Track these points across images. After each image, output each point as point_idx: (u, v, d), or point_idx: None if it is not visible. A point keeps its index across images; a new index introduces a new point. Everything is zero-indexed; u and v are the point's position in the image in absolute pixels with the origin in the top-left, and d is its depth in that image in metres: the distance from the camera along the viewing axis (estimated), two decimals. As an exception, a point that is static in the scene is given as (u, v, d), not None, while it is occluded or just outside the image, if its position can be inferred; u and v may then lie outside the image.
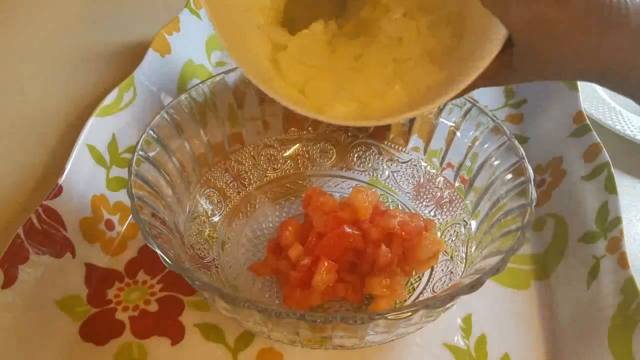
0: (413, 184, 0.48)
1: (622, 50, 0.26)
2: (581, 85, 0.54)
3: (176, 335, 0.40)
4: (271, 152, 0.50)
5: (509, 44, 0.29)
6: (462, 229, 0.42)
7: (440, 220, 0.45)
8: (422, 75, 0.34)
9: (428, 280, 0.41)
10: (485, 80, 0.30)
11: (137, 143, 0.38)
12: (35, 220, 0.38)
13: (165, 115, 0.41)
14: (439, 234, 0.44)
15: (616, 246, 0.38)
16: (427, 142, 0.47)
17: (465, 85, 0.30)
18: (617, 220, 0.39)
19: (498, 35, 0.28)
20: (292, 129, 0.50)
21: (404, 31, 0.35)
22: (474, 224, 0.41)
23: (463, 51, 0.33)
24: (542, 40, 0.27)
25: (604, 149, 0.45)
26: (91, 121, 0.46)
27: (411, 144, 0.48)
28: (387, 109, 0.34)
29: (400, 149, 0.49)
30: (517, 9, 0.26)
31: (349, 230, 0.39)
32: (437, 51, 0.34)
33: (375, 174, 0.50)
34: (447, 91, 0.31)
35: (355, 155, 0.50)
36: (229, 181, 0.47)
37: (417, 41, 0.35)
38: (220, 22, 0.32)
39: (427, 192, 0.47)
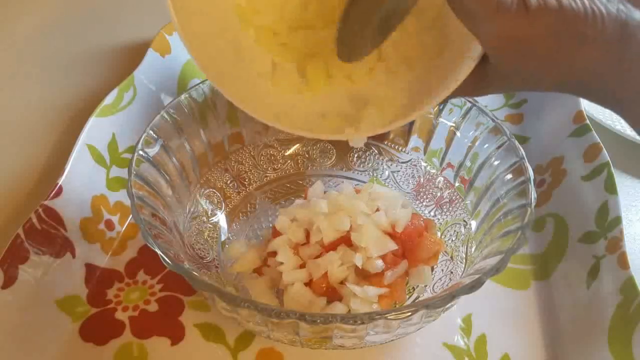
0: (413, 184, 0.48)
1: (596, 63, 0.25)
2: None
3: (176, 335, 0.40)
4: (271, 152, 0.50)
5: (484, 57, 0.28)
6: (462, 229, 0.42)
7: (440, 220, 0.45)
8: (397, 89, 0.34)
9: (428, 280, 0.41)
10: (460, 90, 0.30)
11: (137, 143, 0.38)
12: (35, 220, 0.38)
13: (165, 115, 0.41)
14: (439, 234, 0.44)
15: (616, 246, 0.38)
16: (427, 142, 0.47)
17: (438, 102, 0.30)
18: (617, 220, 0.39)
19: (476, 48, 0.28)
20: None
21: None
22: (474, 224, 0.41)
23: (442, 63, 0.33)
24: (514, 55, 0.26)
25: (604, 149, 0.45)
26: (91, 121, 0.46)
27: (411, 144, 0.48)
28: (363, 126, 0.34)
29: (400, 149, 0.49)
30: (487, 22, 0.25)
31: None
32: (416, 59, 0.34)
33: (375, 174, 0.50)
34: (421, 105, 0.31)
35: (355, 155, 0.50)
36: (229, 181, 0.47)
37: (399, 46, 0.35)
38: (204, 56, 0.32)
39: (427, 192, 0.47)
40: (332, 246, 0.39)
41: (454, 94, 0.30)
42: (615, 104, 0.28)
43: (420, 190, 0.48)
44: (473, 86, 0.30)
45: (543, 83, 0.28)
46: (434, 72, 0.33)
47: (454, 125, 0.45)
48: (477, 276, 0.31)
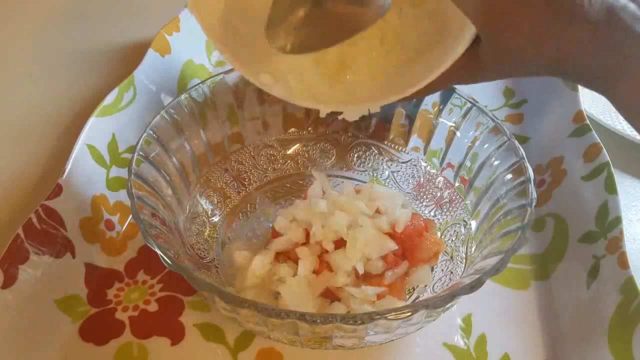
0: (413, 184, 0.48)
1: (583, 43, 0.26)
2: (581, 85, 0.54)
3: (176, 335, 0.40)
4: (271, 152, 0.50)
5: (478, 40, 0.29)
6: (462, 229, 0.42)
7: (440, 220, 0.45)
8: (393, 70, 0.34)
9: (428, 280, 0.41)
10: (454, 76, 0.30)
11: (137, 143, 0.38)
12: (35, 220, 0.38)
13: (165, 115, 0.41)
14: (439, 234, 0.44)
15: (616, 246, 0.38)
16: (427, 142, 0.47)
17: (431, 79, 0.30)
18: (617, 220, 0.39)
19: (469, 29, 0.29)
20: (292, 129, 0.50)
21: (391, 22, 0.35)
22: (474, 224, 0.41)
23: (439, 48, 0.33)
24: (502, 32, 0.26)
25: (604, 149, 0.45)
26: (91, 121, 0.46)
27: (411, 144, 0.48)
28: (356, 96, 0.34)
29: (400, 149, 0.49)
30: None
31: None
32: (415, 46, 0.34)
33: (375, 174, 0.50)
34: (414, 83, 0.31)
35: (355, 155, 0.50)
36: (229, 181, 0.47)
37: (399, 34, 0.35)
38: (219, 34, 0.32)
39: (427, 192, 0.47)
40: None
41: (450, 81, 0.31)
42: (604, 87, 0.28)
43: (420, 190, 0.48)
44: (466, 71, 0.30)
45: (534, 64, 0.28)
46: (430, 55, 0.33)
47: (454, 125, 0.45)
48: (477, 276, 0.31)
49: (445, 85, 0.31)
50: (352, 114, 0.35)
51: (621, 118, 0.57)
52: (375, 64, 0.36)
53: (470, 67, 0.30)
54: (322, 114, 0.34)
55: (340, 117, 0.34)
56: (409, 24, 0.35)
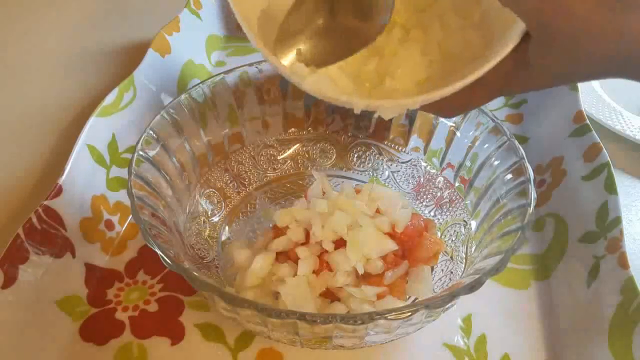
0: (413, 184, 0.48)
1: None
2: (581, 85, 0.54)
3: (176, 335, 0.40)
4: (271, 152, 0.50)
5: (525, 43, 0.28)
6: (462, 229, 0.42)
7: (440, 220, 0.45)
8: (435, 74, 0.34)
9: (428, 280, 0.41)
10: (499, 84, 0.29)
11: (137, 143, 0.38)
12: (35, 220, 0.38)
13: (165, 115, 0.41)
14: (439, 234, 0.44)
15: (616, 246, 0.38)
16: (427, 142, 0.47)
17: (482, 73, 0.28)
18: (617, 220, 0.39)
19: (516, 29, 0.27)
20: (292, 129, 0.50)
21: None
22: (474, 224, 0.41)
23: (485, 54, 0.32)
24: (557, 24, 0.24)
25: (604, 149, 0.45)
26: (91, 121, 0.46)
27: (411, 144, 0.48)
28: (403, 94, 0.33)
29: (400, 149, 0.49)
30: None
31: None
32: (461, 56, 0.34)
33: (375, 174, 0.50)
34: (461, 78, 0.29)
35: (355, 155, 0.50)
36: (229, 181, 0.47)
37: (442, 45, 0.34)
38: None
39: (427, 192, 0.47)
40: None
41: (495, 91, 0.29)
42: None
43: (420, 190, 0.48)
44: (513, 78, 0.29)
45: (589, 58, 0.25)
46: (476, 63, 0.31)
47: (454, 125, 0.45)
48: (477, 276, 0.31)
49: (489, 97, 0.30)
50: (387, 112, 0.33)
51: (621, 118, 0.57)
52: (417, 74, 0.35)
53: (517, 74, 0.28)
54: (357, 111, 0.32)
55: (375, 116, 0.33)
56: (453, 36, 0.34)
